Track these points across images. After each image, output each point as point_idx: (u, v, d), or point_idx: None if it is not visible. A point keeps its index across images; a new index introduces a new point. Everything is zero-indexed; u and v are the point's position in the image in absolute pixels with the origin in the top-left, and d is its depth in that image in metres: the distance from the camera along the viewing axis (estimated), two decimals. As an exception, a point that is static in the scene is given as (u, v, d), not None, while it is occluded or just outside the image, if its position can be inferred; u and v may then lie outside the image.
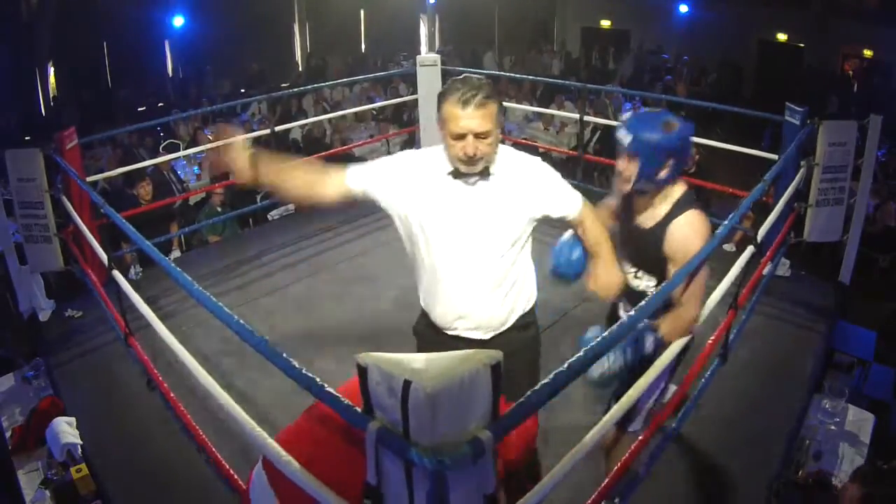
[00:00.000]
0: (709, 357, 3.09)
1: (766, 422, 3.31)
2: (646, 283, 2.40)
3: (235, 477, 2.51)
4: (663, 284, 2.09)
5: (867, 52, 12.85)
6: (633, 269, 2.44)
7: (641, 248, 2.36)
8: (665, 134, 2.15)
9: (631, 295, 2.44)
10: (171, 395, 2.87)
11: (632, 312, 1.80)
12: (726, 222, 2.52)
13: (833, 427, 3.31)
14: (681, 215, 2.23)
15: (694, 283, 2.19)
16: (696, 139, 5.88)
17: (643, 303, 1.83)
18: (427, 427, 1.19)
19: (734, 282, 2.91)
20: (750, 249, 3.36)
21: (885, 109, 4.65)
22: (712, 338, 3.16)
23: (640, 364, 2.16)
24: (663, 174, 2.20)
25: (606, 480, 2.29)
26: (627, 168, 2.22)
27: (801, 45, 13.69)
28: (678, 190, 2.28)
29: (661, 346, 2.19)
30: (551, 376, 1.48)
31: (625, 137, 2.19)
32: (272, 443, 1.76)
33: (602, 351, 1.64)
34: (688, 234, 2.19)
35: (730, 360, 3.46)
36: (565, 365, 1.52)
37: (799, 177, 4.19)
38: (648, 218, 2.32)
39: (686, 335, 2.25)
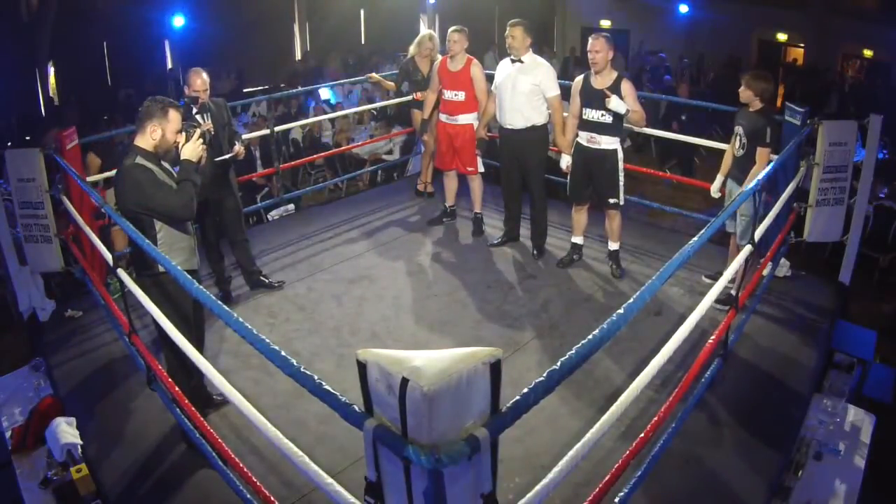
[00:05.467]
0: (709, 357, 3.09)
1: (766, 422, 3.31)
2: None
3: (243, 467, 2.52)
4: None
5: (867, 52, 12.85)
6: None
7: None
8: None
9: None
10: (175, 389, 2.87)
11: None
12: (714, 221, 2.59)
13: (833, 427, 3.31)
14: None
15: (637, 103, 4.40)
16: (696, 139, 5.95)
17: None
18: (424, 425, 1.19)
19: (731, 279, 2.91)
20: (748, 249, 3.38)
21: (885, 109, 4.64)
22: (713, 338, 3.16)
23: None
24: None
25: (608, 477, 2.29)
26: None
27: (801, 44, 13.69)
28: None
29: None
30: (545, 375, 1.49)
31: None
32: (282, 437, 1.76)
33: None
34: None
35: (730, 360, 3.47)
36: (558, 364, 1.53)
37: (799, 177, 4.19)
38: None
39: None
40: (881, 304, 5.69)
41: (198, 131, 3.15)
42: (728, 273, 3.17)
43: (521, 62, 4.67)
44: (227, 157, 4.16)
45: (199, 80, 4.12)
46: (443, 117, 5.26)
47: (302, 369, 1.60)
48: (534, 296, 4.53)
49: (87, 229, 3.88)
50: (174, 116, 2.99)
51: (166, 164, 3.07)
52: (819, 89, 11.91)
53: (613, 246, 4.76)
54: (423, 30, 6.41)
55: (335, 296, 4.56)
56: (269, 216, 6.41)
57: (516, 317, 4.28)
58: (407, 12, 14.03)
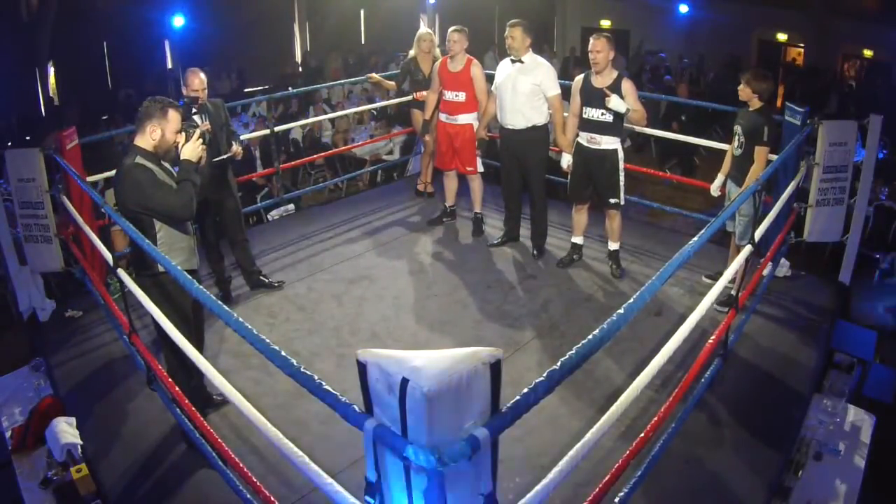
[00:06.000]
0: (709, 357, 3.09)
1: (766, 422, 3.31)
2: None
3: (243, 467, 2.52)
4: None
5: (867, 52, 12.84)
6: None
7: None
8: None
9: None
10: (175, 389, 2.87)
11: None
12: (714, 221, 2.60)
13: (833, 427, 3.31)
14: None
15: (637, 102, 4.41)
16: (696, 139, 5.94)
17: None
18: (424, 425, 1.19)
19: (731, 279, 2.92)
20: (748, 249, 3.38)
21: (885, 109, 4.64)
22: (713, 338, 3.17)
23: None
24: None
25: (608, 477, 2.29)
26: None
27: (801, 45, 13.69)
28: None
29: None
30: (545, 375, 1.49)
31: None
32: (282, 437, 1.77)
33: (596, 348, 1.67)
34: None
35: (730, 360, 3.47)
36: (558, 364, 1.53)
37: (799, 177, 4.19)
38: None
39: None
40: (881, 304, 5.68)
41: (197, 131, 3.15)
42: (728, 273, 3.17)
43: (521, 62, 4.67)
44: (224, 157, 4.16)
45: (197, 80, 4.13)
46: (442, 117, 5.26)
47: (302, 369, 1.60)
48: (534, 296, 4.53)
49: (87, 229, 3.88)
50: (174, 116, 2.99)
51: (166, 164, 3.08)
52: (819, 89, 11.91)
53: (613, 246, 4.77)
54: (423, 28, 6.43)
55: (335, 296, 4.56)
56: (269, 216, 6.41)
57: (516, 317, 4.28)
58: (407, 12, 14.04)
